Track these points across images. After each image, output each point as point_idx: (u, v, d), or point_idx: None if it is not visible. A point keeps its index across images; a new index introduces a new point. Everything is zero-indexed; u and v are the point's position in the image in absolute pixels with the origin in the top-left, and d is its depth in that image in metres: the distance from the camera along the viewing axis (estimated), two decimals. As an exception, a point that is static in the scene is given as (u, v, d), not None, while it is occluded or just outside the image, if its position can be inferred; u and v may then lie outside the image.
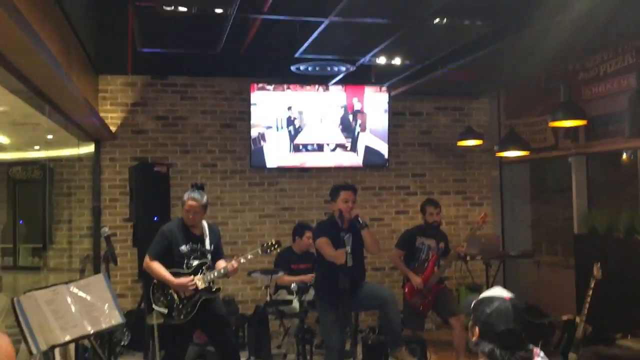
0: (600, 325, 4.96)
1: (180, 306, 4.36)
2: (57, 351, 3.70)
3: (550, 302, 6.49)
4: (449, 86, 6.93)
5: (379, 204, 7.38)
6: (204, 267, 4.47)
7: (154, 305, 4.39)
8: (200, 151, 6.96)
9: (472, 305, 2.39)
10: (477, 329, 2.30)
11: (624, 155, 6.09)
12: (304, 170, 7.11)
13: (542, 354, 2.35)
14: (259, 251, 4.64)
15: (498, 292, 2.37)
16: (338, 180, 6.72)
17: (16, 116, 5.91)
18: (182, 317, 4.36)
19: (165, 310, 4.34)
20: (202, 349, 5.18)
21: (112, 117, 6.75)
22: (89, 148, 6.79)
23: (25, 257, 8.70)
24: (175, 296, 4.37)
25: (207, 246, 4.53)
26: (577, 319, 4.87)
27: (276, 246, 4.70)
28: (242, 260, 4.53)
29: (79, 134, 6.32)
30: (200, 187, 4.64)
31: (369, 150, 7.09)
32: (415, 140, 7.52)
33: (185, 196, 4.47)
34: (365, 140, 7.07)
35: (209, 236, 4.56)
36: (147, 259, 4.43)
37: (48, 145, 7.02)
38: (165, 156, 6.83)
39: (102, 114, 6.51)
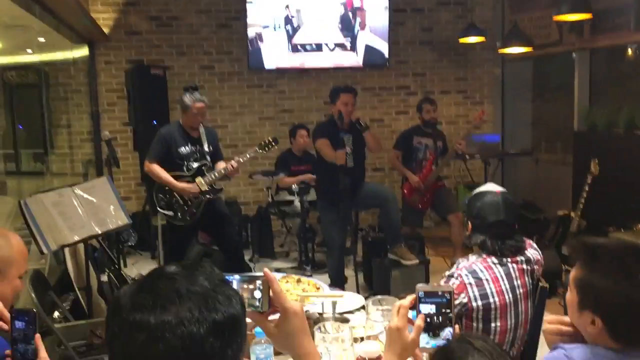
0: (595, 220, 5.09)
1: (185, 208, 4.44)
2: (67, 251, 3.82)
3: (547, 198, 6.61)
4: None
5: (379, 104, 7.33)
6: (204, 169, 4.51)
7: (158, 209, 4.47)
8: (197, 53, 6.81)
9: (467, 201, 2.46)
10: (470, 223, 2.37)
11: (629, 50, 5.96)
12: (303, 71, 7.00)
13: (534, 245, 2.44)
14: (257, 149, 4.66)
15: (490, 187, 2.43)
16: (338, 81, 6.63)
17: (5, 18, 5.73)
18: (187, 218, 4.46)
19: (171, 213, 4.43)
20: (207, 248, 5.34)
21: (104, 18, 6.55)
22: (83, 51, 6.65)
23: (27, 162, 8.75)
24: (180, 199, 4.44)
25: (206, 148, 4.55)
26: (572, 214, 4.98)
27: (273, 144, 4.69)
28: (241, 160, 4.56)
29: (71, 35, 6.16)
30: (195, 88, 4.59)
31: (368, 50, 6.94)
32: (416, 38, 7.34)
33: (189, 99, 4.42)
34: (365, 38, 6.90)
35: (207, 138, 4.57)
36: (147, 162, 4.44)
37: (41, 48, 6.87)
38: (160, 58, 6.69)
39: (93, 15, 6.30)
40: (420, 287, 1.78)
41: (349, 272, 5.06)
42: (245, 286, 1.20)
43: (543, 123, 7.49)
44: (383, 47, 6.94)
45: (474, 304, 2.23)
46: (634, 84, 6.01)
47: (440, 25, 7.36)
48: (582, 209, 4.89)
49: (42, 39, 6.57)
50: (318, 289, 2.23)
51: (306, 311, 2.10)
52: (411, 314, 1.52)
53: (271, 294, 1.21)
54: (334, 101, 4.63)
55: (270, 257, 6.10)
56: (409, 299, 1.72)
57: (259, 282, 1.20)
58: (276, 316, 1.24)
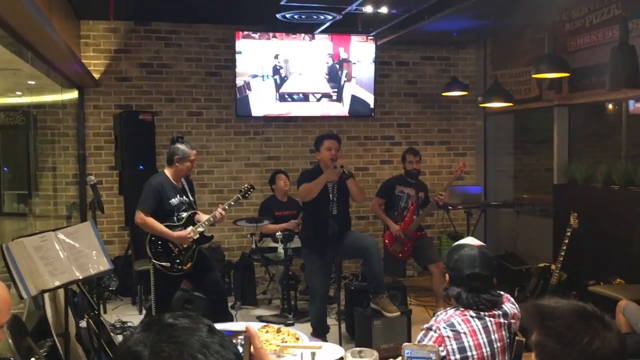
0: (575, 273, 5.15)
1: (181, 257, 4.46)
2: (46, 296, 3.78)
3: (529, 250, 6.68)
4: (436, 36, 6.90)
5: (364, 153, 7.44)
6: (194, 218, 4.55)
7: (153, 261, 4.46)
8: (186, 99, 6.92)
9: (447, 253, 2.51)
10: (447, 275, 2.42)
11: (610, 107, 6.15)
12: (290, 120, 7.12)
13: (512, 299, 2.48)
14: (239, 197, 4.75)
15: (469, 240, 2.49)
16: (324, 130, 6.75)
17: (-3, 62, 5.80)
18: (183, 267, 4.47)
19: (168, 264, 4.42)
20: (189, 294, 5.30)
21: (95, 64, 6.66)
22: (72, 95, 6.72)
23: (10, 203, 8.69)
24: (174, 248, 4.45)
25: (190, 197, 4.61)
26: (553, 267, 5.04)
27: (251, 190, 4.82)
28: (226, 207, 4.62)
29: (62, 80, 6.24)
30: (183, 138, 4.69)
31: (354, 100, 7.09)
32: (401, 90, 7.52)
33: (187, 148, 4.52)
34: (351, 90, 7.06)
35: (188, 187, 4.64)
36: (140, 214, 4.44)
37: (30, 91, 6.93)
38: (150, 104, 6.79)
39: (84, 61, 6.42)
40: (407, 346, 1.82)
41: (331, 320, 5.04)
42: None
43: (524, 175, 7.63)
44: (369, 98, 7.10)
45: (452, 357, 2.25)
46: (611, 140, 6.19)
47: (425, 79, 7.57)
48: (562, 262, 4.95)
49: (32, 82, 6.63)
50: (297, 339, 2.24)
51: (285, 362, 2.11)
52: None
53: (252, 350, 1.24)
54: (318, 148, 4.72)
55: (252, 304, 6.06)
56: None
57: (240, 337, 1.22)
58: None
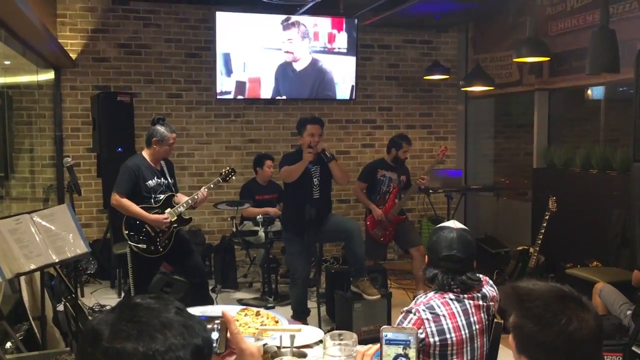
0: (553, 255, 5.21)
1: (158, 240, 4.41)
2: (22, 279, 3.73)
3: (508, 233, 6.75)
4: (418, 19, 6.87)
5: (345, 137, 7.42)
6: (172, 200, 4.50)
7: (129, 243, 4.41)
8: (165, 81, 6.82)
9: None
10: (426, 257, 2.43)
11: (588, 92, 6.20)
12: (271, 102, 7.06)
13: (490, 282, 2.49)
14: (220, 180, 4.72)
15: (450, 223, 2.49)
16: (305, 113, 6.71)
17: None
18: (160, 249, 4.42)
19: (144, 246, 4.38)
20: (169, 277, 5.27)
21: (72, 44, 6.52)
22: (49, 75, 6.58)
23: (-14, 186, 8.54)
24: (151, 230, 4.40)
25: (169, 179, 4.56)
26: (531, 250, 5.09)
27: (232, 173, 4.81)
28: (206, 190, 4.58)
29: (38, 60, 6.11)
30: (164, 120, 4.62)
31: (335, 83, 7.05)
32: (382, 73, 7.50)
33: (166, 131, 4.45)
34: (332, 72, 7.01)
35: (167, 170, 4.58)
36: (116, 196, 4.38)
37: (5, 71, 6.78)
38: (128, 85, 6.68)
39: (61, 41, 6.28)
40: (385, 328, 1.82)
41: (312, 303, 5.05)
42: None
43: (504, 159, 7.68)
44: (350, 81, 7.06)
45: (431, 340, 2.25)
46: (590, 125, 6.24)
47: (406, 62, 7.54)
48: (540, 245, 5.01)
49: (7, 62, 6.48)
50: (277, 322, 2.23)
51: (264, 345, 2.10)
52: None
53: (228, 335, 1.22)
54: (301, 132, 4.67)
55: (233, 288, 6.05)
56: (374, 348, 1.75)
57: (217, 322, 1.21)
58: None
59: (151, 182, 4.43)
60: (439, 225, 2.50)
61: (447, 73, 6.97)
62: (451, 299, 2.32)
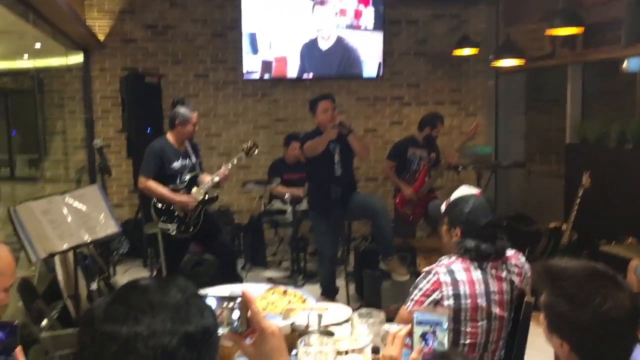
0: (586, 232, 5.11)
1: (187, 219, 4.46)
2: (57, 259, 3.80)
3: (539, 210, 6.63)
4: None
5: (373, 114, 7.35)
6: (197, 180, 4.53)
7: (160, 224, 4.47)
8: (192, 62, 6.83)
9: (445, 209, 2.46)
10: (458, 230, 2.37)
11: (624, 64, 6.00)
12: (298, 81, 7.02)
13: (522, 257, 2.46)
14: (243, 155, 4.68)
15: (467, 190, 2.45)
16: (332, 91, 6.64)
17: (0, 24, 5.74)
18: (191, 229, 4.47)
19: (174, 227, 4.43)
20: (198, 257, 5.33)
21: (100, 26, 6.57)
22: (78, 58, 6.65)
23: (22, 167, 8.73)
24: (180, 211, 4.45)
25: (194, 159, 4.59)
26: (564, 227, 5.00)
27: (254, 148, 4.71)
28: (229, 166, 4.58)
29: (67, 42, 6.17)
30: (184, 101, 4.65)
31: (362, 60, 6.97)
32: (410, 49, 7.37)
33: (187, 112, 4.48)
34: (359, 50, 6.93)
35: (193, 151, 4.61)
36: (142, 179, 4.44)
37: (36, 54, 6.87)
38: (156, 66, 6.71)
39: (88, 22, 6.33)
40: (417, 309, 1.81)
41: (340, 282, 5.06)
42: (224, 305, 1.20)
43: (536, 135, 7.52)
44: (378, 57, 6.97)
45: (446, 302, 2.26)
46: (625, 98, 6.05)
47: (435, 37, 7.40)
48: (573, 222, 4.91)
49: (37, 45, 6.57)
50: (304, 301, 2.23)
51: (292, 323, 2.10)
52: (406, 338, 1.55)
53: (249, 314, 1.22)
54: (314, 112, 4.68)
55: (262, 266, 6.09)
56: (405, 330, 1.74)
57: (237, 301, 1.20)
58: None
59: (176, 164, 4.46)
60: (460, 196, 2.46)
61: (477, 47, 6.81)
62: (475, 267, 2.31)
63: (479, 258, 2.31)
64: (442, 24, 7.41)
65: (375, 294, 4.61)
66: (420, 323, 1.75)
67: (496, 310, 2.30)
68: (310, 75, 6.90)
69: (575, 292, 1.38)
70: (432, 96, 7.46)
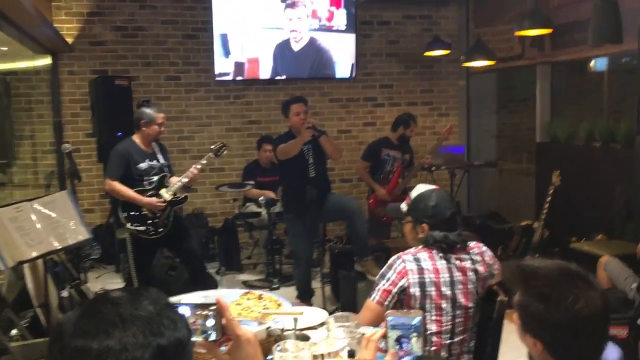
0: (557, 230, 5.19)
1: (156, 220, 4.40)
2: (26, 267, 3.73)
3: (512, 209, 6.72)
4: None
5: (346, 115, 7.36)
6: (165, 180, 4.47)
7: (128, 225, 4.40)
8: (163, 64, 6.76)
9: (409, 207, 2.48)
10: (425, 225, 2.41)
11: (591, 64, 6.11)
12: (270, 83, 7.00)
13: (488, 251, 2.55)
14: (211, 155, 4.64)
15: (426, 186, 2.51)
16: (305, 93, 6.64)
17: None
18: (160, 230, 4.41)
19: (143, 228, 4.37)
20: (172, 261, 5.27)
21: (68, 28, 6.45)
22: (46, 61, 6.53)
23: (-11, 173, 8.54)
24: (148, 212, 4.39)
25: (162, 160, 4.54)
26: (535, 225, 5.07)
27: (223, 148, 4.67)
28: (198, 167, 4.52)
29: (34, 46, 6.04)
30: (148, 102, 4.59)
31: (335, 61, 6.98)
32: (382, 50, 7.41)
33: (153, 112, 4.42)
34: (331, 51, 6.93)
35: (160, 151, 4.56)
36: (107, 181, 4.37)
37: (2, 58, 6.73)
38: (126, 69, 6.62)
39: (56, 25, 6.22)
40: (390, 313, 1.80)
41: (316, 284, 5.05)
42: (198, 313, 1.18)
43: (507, 134, 7.62)
44: (350, 58, 6.99)
45: (412, 290, 2.29)
46: (593, 98, 6.17)
47: (407, 38, 7.45)
48: (544, 220, 4.99)
49: (3, 48, 6.43)
50: (279, 305, 2.22)
51: (268, 328, 2.09)
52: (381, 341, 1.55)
53: (224, 321, 1.20)
54: (287, 114, 4.67)
55: (237, 270, 6.05)
56: (379, 333, 1.74)
57: (211, 309, 1.18)
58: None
59: (142, 165, 4.40)
60: (422, 191, 2.52)
61: (448, 48, 6.88)
62: (439, 256, 2.36)
63: (448, 248, 2.37)
64: (413, 26, 7.47)
65: (351, 295, 4.61)
66: (394, 327, 1.75)
67: (461, 299, 2.34)
68: (283, 76, 6.89)
69: (548, 292, 1.40)
70: (404, 97, 7.50)
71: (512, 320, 1.56)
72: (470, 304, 2.36)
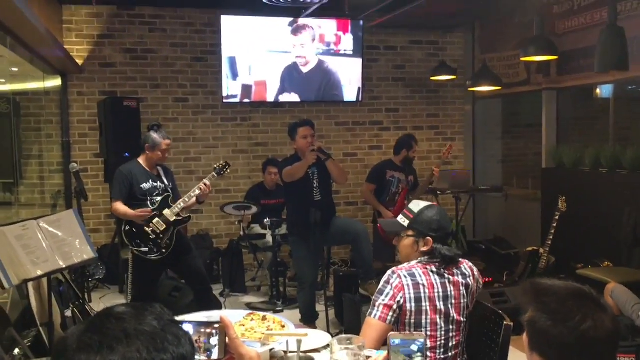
0: (563, 256, 5.16)
1: (159, 241, 4.39)
2: (30, 286, 3.72)
3: (517, 234, 6.68)
4: (424, 19, 6.83)
5: (352, 139, 7.39)
6: (169, 201, 4.49)
7: (132, 249, 4.41)
8: (171, 85, 6.83)
9: (411, 221, 2.48)
10: (429, 239, 2.41)
11: (597, 90, 6.13)
12: (277, 105, 7.05)
13: (469, 262, 2.56)
14: (214, 175, 4.65)
15: (424, 202, 2.54)
16: (311, 116, 6.69)
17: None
18: (163, 250, 4.40)
19: (146, 249, 4.37)
20: (177, 282, 5.26)
21: (78, 50, 6.54)
22: (56, 82, 6.61)
23: (-5, 192, 8.59)
24: (151, 233, 4.38)
25: (166, 182, 4.55)
26: (541, 250, 5.04)
27: (226, 167, 4.70)
28: (207, 182, 4.52)
29: (44, 67, 6.13)
30: (159, 126, 4.62)
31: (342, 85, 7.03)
32: (389, 75, 7.47)
33: (158, 137, 4.44)
34: (339, 74, 6.99)
35: (165, 175, 4.58)
36: (113, 203, 4.43)
37: (13, 78, 6.81)
38: (134, 90, 6.69)
39: (67, 47, 6.31)
40: (393, 335, 1.80)
41: (320, 307, 5.02)
42: (202, 331, 1.18)
43: (513, 160, 7.62)
44: (356, 82, 7.04)
45: (408, 306, 2.30)
46: (599, 124, 6.18)
47: (413, 63, 7.51)
48: (550, 245, 4.96)
49: (14, 69, 6.52)
50: (283, 326, 2.20)
51: (271, 349, 2.07)
52: None
53: (227, 340, 1.20)
54: (293, 137, 4.69)
55: (241, 292, 6.02)
56: (382, 356, 1.73)
57: (215, 327, 1.18)
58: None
59: (146, 185, 4.42)
60: (423, 206, 2.53)
61: (454, 73, 6.93)
62: (432, 271, 2.37)
63: (450, 262, 2.40)
64: (419, 51, 7.53)
65: (355, 318, 4.58)
66: (397, 349, 1.74)
67: (454, 314, 2.36)
68: (290, 99, 6.94)
69: (557, 308, 1.39)
70: (410, 121, 7.54)
71: (517, 346, 1.55)
72: (463, 319, 2.40)
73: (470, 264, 2.51)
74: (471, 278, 2.44)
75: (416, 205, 2.54)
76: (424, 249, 2.43)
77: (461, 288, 2.40)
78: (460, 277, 2.41)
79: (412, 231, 2.48)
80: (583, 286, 1.46)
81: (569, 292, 1.43)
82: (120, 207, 4.35)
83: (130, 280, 4.43)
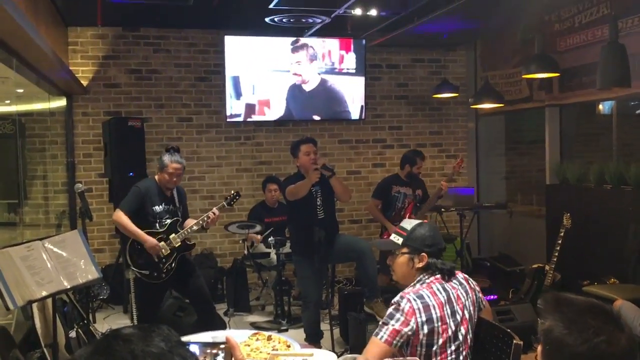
0: (569, 273, 5.13)
1: (160, 265, 4.38)
2: (35, 306, 3.72)
3: (522, 251, 6.66)
4: (426, 38, 6.88)
5: (355, 157, 7.41)
6: (177, 225, 4.48)
7: (132, 269, 4.40)
8: (175, 105, 6.87)
9: (405, 239, 2.49)
10: (424, 255, 2.43)
11: (600, 106, 6.15)
12: (280, 124, 7.08)
13: (464, 274, 2.60)
14: (224, 204, 4.67)
15: (414, 220, 2.57)
16: (315, 134, 6.72)
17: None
18: (163, 275, 4.39)
19: (147, 272, 4.36)
20: (181, 302, 5.25)
21: (83, 71, 6.60)
22: (61, 102, 6.66)
23: (0, 213, 8.61)
24: (154, 257, 4.37)
25: (177, 205, 4.55)
26: (547, 267, 5.02)
27: (236, 197, 4.73)
28: (216, 212, 4.54)
29: (50, 88, 6.18)
30: (176, 150, 4.59)
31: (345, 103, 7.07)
32: (391, 93, 7.50)
33: (167, 159, 4.41)
34: (342, 92, 7.03)
35: (177, 196, 4.57)
36: (118, 212, 4.37)
37: (18, 99, 6.87)
38: (139, 110, 6.73)
39: (72, 68, 6.36)
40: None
41: (324, 326, 5.00)
42: (208, 351, 1.18)
43: (516, 176, 7.62)
44: (359, 101, 7.08)
45: (421, 331, 2.30)
46: (602, 140, 6.18)
47: (415, 81, 7.55)
48: (556, 262, 4.93)
49: (20, 90, 6.58)
50: (289, 346, 2.20)
51: (276, 370, 2.07)
52: None
53: None
54: (296, 154, 4.69)
55: (245, 311, 6.00)
56: None
57: (221, 347, 1.18)
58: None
59: (158, 208, 4.42)
60: (415, 223, 2.57)
61: (457, 91, 6.96)
62: (438, 289, 2.39)
63: (449, 275, 2.43)
64: (422, 69, 7.58)
65: (361, 337, 4.54)
66: None
67: (462, 328, 2.39)
68: (294, 117, 6.97)
69: (574, 318, 1.40)
70: (413, 139, 7.56)
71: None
72: (470, 333, 2.41)
73: (464, 274, 2.56)
74: (468, 288, 2.48)
75: (408, 224, 2.57)
76: (420, 265, 2.44)
77: (462, 300, 2.43)
78: (459, 288, 2.45)
79: (407, 248, 2.49)
80: (605, 304, 1.47)
81: (589, 305, 1.44)
82: (123, 218, 4.33)
83: (133, 300, 4.41)
